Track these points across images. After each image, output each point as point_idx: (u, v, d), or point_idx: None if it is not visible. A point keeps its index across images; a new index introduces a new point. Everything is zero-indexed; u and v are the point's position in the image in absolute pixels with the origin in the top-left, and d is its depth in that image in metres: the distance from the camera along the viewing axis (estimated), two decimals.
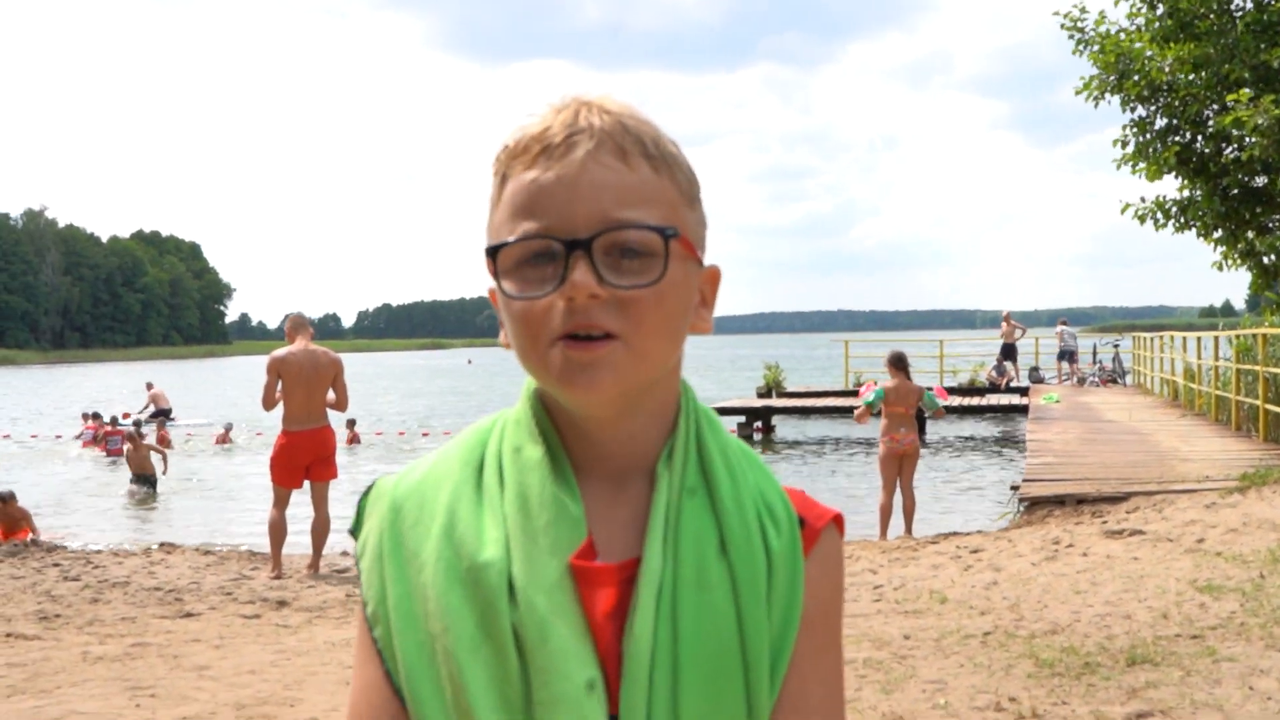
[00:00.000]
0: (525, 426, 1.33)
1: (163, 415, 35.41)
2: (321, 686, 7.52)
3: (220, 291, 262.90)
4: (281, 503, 11.89)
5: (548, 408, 1.34)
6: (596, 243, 1.22)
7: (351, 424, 31.59)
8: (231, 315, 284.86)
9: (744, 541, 1.29)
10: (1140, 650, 7.16)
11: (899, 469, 14.12)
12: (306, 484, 12.04)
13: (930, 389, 14.48)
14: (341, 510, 18.99)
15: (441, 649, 1.23)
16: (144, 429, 27.51)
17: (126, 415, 35.32)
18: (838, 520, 1.41)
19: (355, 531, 1.38)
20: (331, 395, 11.86)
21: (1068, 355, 38.03)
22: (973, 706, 6.35)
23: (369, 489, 1.39)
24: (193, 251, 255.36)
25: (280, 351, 11.78)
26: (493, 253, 1.26)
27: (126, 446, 22.73)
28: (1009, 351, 37.51)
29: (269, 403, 11.72)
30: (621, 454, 1.32)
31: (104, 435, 30.03)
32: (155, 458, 22.58)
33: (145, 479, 21.83)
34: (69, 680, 7.70)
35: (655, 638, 1.23)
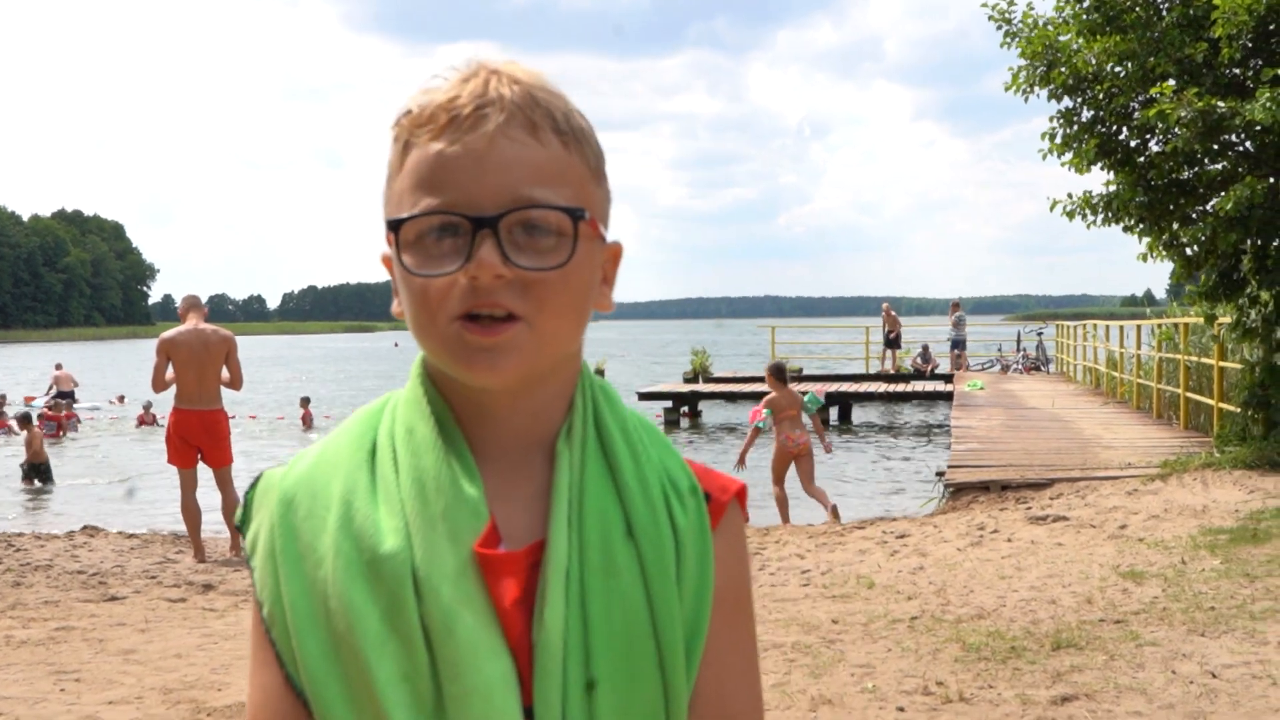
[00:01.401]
0: (417, 406, 1.28)
1: (66, 398, 34.97)
2: (247, 670, 7.47)
3: (143, 272, 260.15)
4: (188, 485, 11.76)
5: (439, 385, 1.29)
6: (504, 221, 1.18)
7: (305, 402, 31.47)
8: (155, 296, 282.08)
9: (650, 522, 1.25)
10: (1065, 635, 7.25)
11: (789, 465, 14.30)
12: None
13: (809, 393, 14.80)
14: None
15: (347, 648, 1.17)
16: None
17: (30, 399, 34.95)
18: (741, 493, 1.37)
19: (243, 527, 1.31)
20: (226, 375, 11.77)
21: (958, 344, 38.14)
22: (900, 690, 6.41)
23: (255, 481, 1.32)
24: (115, 232, 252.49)
25: (169, 332, 11.72)
26: (395, 225, 1.22)
27: (23, 433, 21.87)
28: (894, 341, 37.88)
29: (158, 384, 11.65)
30: (520, 432, 1.28)
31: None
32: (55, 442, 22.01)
33: (38, 468, 20.88)
34: None
35: (566, 626, 1.19)
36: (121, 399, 38.61)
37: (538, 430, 1.28)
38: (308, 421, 30.59)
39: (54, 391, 35.95)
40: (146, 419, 31.31)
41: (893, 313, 38.06)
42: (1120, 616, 7.67)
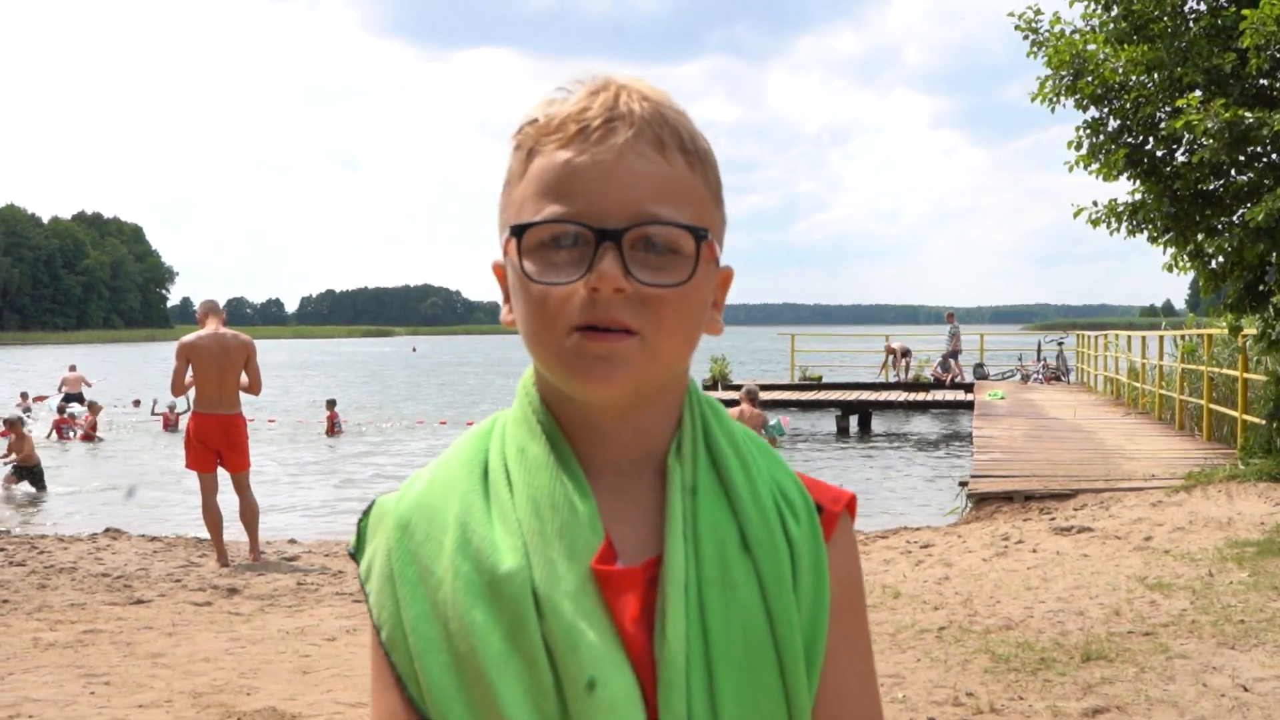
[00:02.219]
0: (527, 425, 1.29)
1: (74, 400, 34.95)
2: (277, 675, 7.49)
3: (162, 275, 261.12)
4: (208, 489, 11.78)
5: (549, 403, 1.29)
6: (628, 235, 1.18)
7: (331, 404, 31.46)
8: (173, 299, 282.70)
9: (765, 534, 1.25)
10: (1094, 646, 7.24)
11: None
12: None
13: (775, 419, 15.19)
14: (285, 495, 18.97)
15: (470, 669, 1.18)
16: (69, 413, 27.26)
17: (40, 398, 34.98)
18: (851, 503, 1.38)
19: (357, 554, 1.32)
20: (245, 379, 11.80)
21: (952, 356, 38.01)
22: (931, 700, 6.40)
23: (368, 509, 1.33)
24: (135, 234, 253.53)
25: (190, 336, 11.75)
26: (519, 231, 1.22)
27: (10, 436, 20.96)
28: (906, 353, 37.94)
29: (178, 388, 11.70)
30: (629, 448, 1.28)
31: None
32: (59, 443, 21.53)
33: (29, 471, 20.25)
34: (20, 667, 7.63)
35: (687, 636, 1.19)
36: (137, 403, 38.63)
37: (647, 446, 1.29)
38: (333, 426, 30.55)
39: (63, 393, 35.97)
40: (170, 420, 31.22)
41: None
42: (1149, 628, 7.65)
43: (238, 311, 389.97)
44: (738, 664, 1.20)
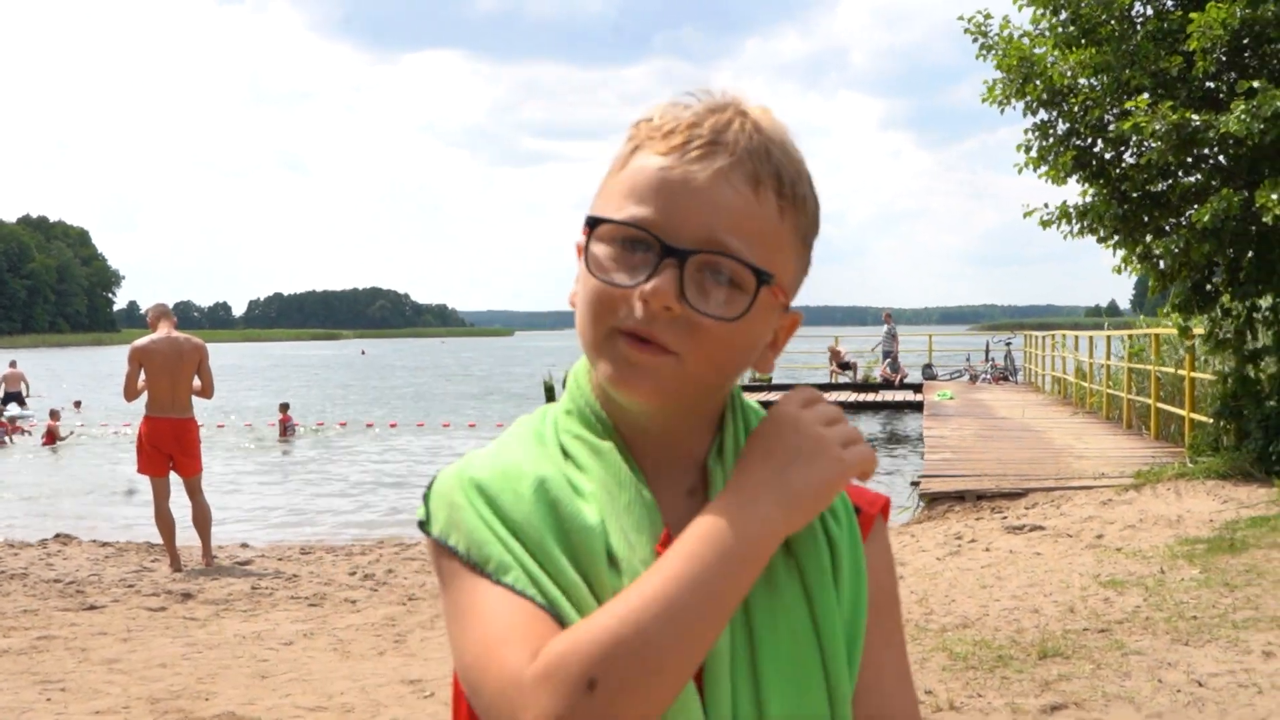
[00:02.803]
0: (580, 417, 1.31)
1: (13, 399, 34.59)
2: (235, 680, 7.46)
3: (108, 279, 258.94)
4: (160, 494, 11.71)
5: (599, 396, 1.31)
6: (693, 258, 1.20)
7: (284, 407, 31.23)
8: (120, 303, 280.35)
9: (808, 534, 1.27)
10: (1051, 644, 7.30)
11: None
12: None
13: None
14: (237, 499, 18.86)
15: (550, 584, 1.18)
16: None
17: None
18: (886, 506, 1.41)
19: (427, 522, 1.27)
20: (197, 383, 11.74)
21: (887, 356, 38.23)
22: None
23: (431, 482, 1.29)
24: (81, 238, 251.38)
25: (142, 340, 11.67)
26: (594, 223, 1.24)
27: None
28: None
29: (130, 393, 11.60)
30: (672, 448, 1.30)
31: None
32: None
33: None
34: None
35: (732, 637, 1.21)
36: (78, 404, 38.22)
37: (688, 449, 1.31)
38: (285, 429, 30.33)
39: (2, 391, 35.57)
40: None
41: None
42: (1104, 625, 7.72)
43: (185, 315, 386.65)
44: (784, 662, 1.22)
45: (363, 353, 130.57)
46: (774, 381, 37.29)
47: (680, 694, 1.14)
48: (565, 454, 1.28)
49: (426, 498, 1.30)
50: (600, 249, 1.24)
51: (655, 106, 1.28)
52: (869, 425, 32.06)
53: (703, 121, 1.24)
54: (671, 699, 1.11)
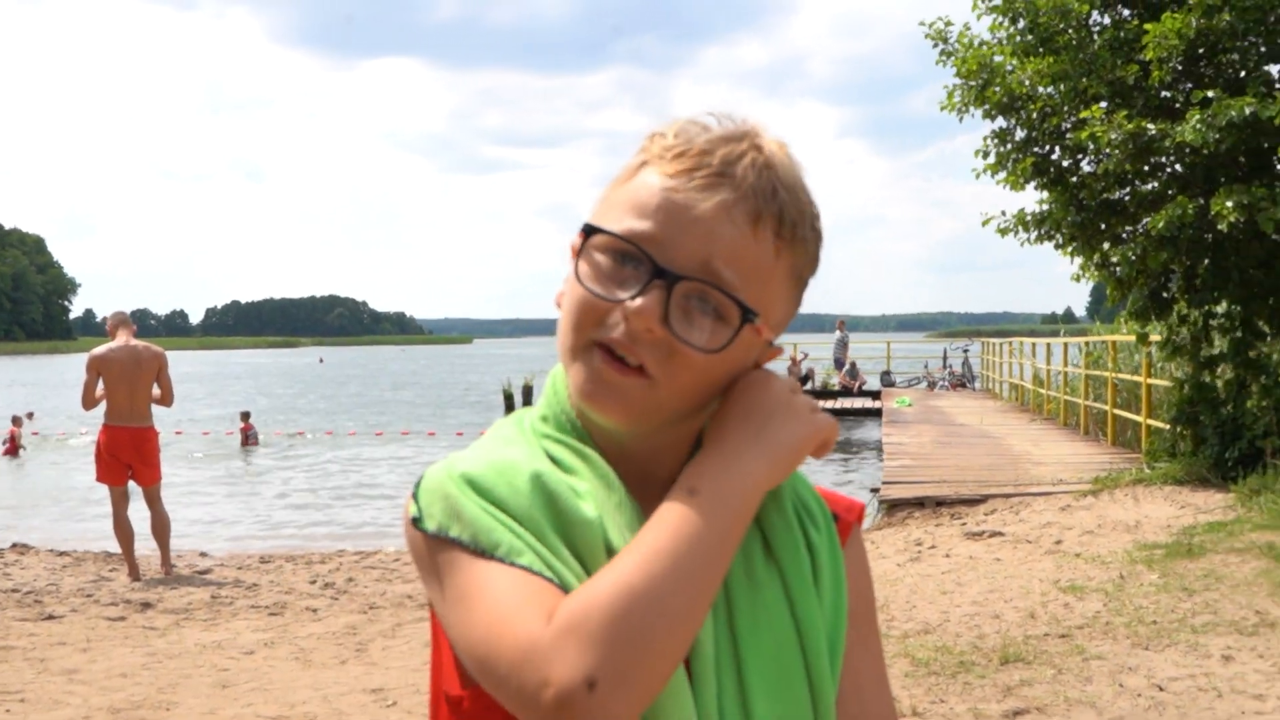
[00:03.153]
0: (558, 424, 1.30)
1: None
2: (196, 690, 7.42)
3: (65, 286, 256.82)
4: (119, 503, 11.63)
5: (577, 408, 1.30)
6: (681, 284, 1.19)
7: (245, 416, 31.00)
8: (76, 311, 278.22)
9: (788, 539, 1.28)
10: (1012, 649, 7.34)
11: None
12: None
13: None
14: (195, 508, 18.73)
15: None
16: None
17: None
18: (861, 512, 1.43)
19: (421, 520, 1.23)
20: (157, 391, 11.67)
21: (840, 363, 38.36)
22: None
23: (418, 483, 1.26)
24: (37, 245, 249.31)
25: (100, 349, 11.58)
26: (590, 231, 1.24)
27: None
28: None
29: (89, 402, 11.50)
30: (650, 460, 1.29)
31: None
32: None
33: None
34: None
35: (715, 638, 1.21)
36: (30, 415, 37.73)
37: (664, 462, 1.30)
38: (246, 438, 30.12)
39: None
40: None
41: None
42: (1065, 631, 7.77)
43: (142, 323, 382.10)
44: (767, 662, 1.23)
45: (321, 361, 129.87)
46: None
47: (672, 682, 1.16)
48: (550, 457, 1.27)
49: (416, 495, 1.28)
50: (593, 258, 1.23)
51: (673, 123, 1.27)
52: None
53: (715, 150, 1.23)
54: (684, 652, 1.12)
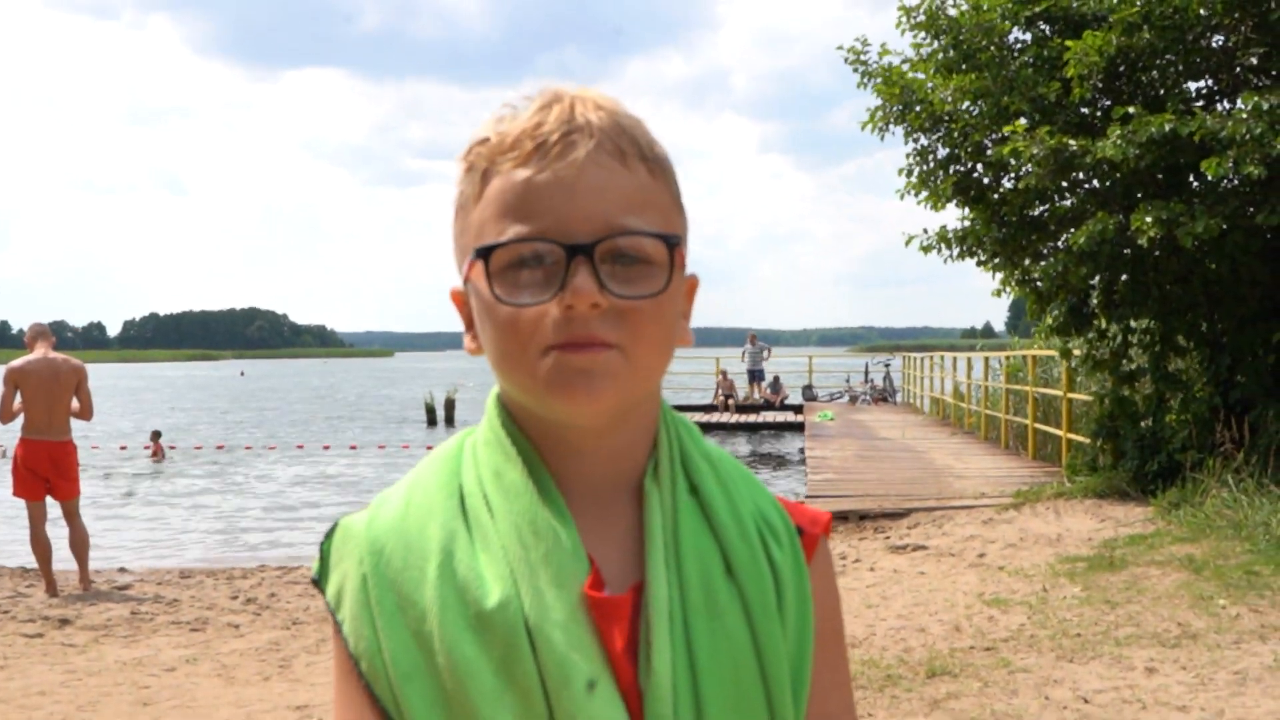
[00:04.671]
0: (500, 447, 1.24)
1: None
2: (117, 708, 7.31)
3: None
4: (37, 518, 11.45)
5: (520, 423, 1.25)
6: (599, 248, 1.14)
7: (156, 435, 30.62)
8: None
9: (749, 559, 1.22)
10: (938, 662, 7.37)
11: None
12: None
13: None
14: (114, 524, 18.47)
15: (458, 704, 1.13)
16: None
17: None
18: (828, 525, 1.36)
19: (321, 581, 1.25)
20: (76, 404, 11.51)
21: (755, 375, 38.60)
22: None
23: (330, 532, 1.26)
24: None
25: (18, 361, 11.39)
26: (484, 253, 1.17)
27: None
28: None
29: (6, 415, 11.30)
30: (605, 471, 1.24)
31: None
32: None
33: None
34: None
35: (674, 665, 1.16)
36: None
37: (622, 469, 1.25)
38: (158, 453, 29.85)
39: None
40: (158, 450, 30.02)
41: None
42: (990, 644, 7.82)
43: (59, 334, 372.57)
44: (726, 694, 1.18)
45: (241, 374, 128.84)
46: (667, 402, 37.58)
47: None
48: (485, 503, 1.21)
49: (325, 551, 1.27)
50: (495, 279, 1.17)
51: (483, 126, 1.22)
52: (749, 447, 32.24)
53: (545, 119, 1.19)
54: None
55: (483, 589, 1.16)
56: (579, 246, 1.14)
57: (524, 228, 1.16)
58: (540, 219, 1.16)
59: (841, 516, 13.98)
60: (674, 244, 1.19)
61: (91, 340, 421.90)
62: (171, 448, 30.74)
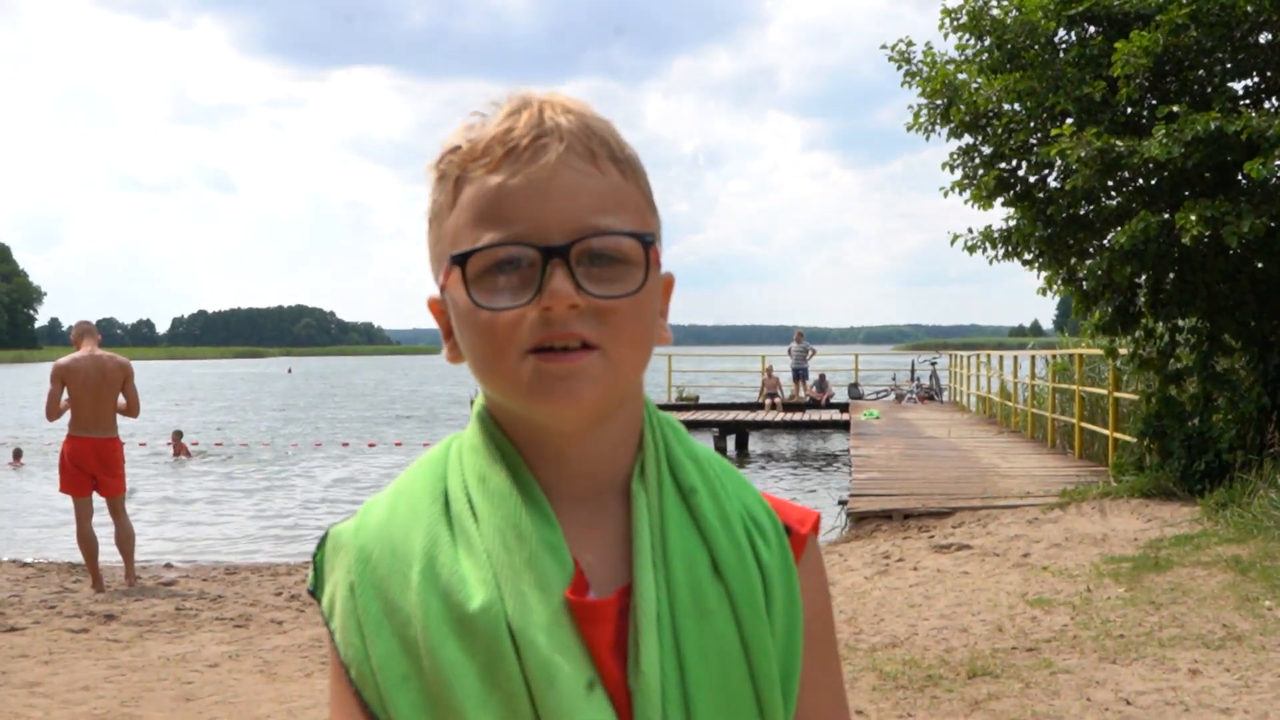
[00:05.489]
0: (484, 452, 1.25)
1: None
2: (159, 703, 7.38)
3: (30, 295, 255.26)
4: (83, 514, 11.56)
5: (505, 429, 1.26)
6: (574, 250, 1.16)
7: (178, 435, 30.75)
8: (41, 320, 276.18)
9: (737, 560, 1.23)
10: (979, 663, 7.35)
11: None
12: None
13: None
14: (160, 520, 18.61)
15: (444, 707, 1.14)
16: None
17: None
18: (817, 523, 1.36)
19: (316, 591, 1.28)
20: (122, 401, 11.61)
21: (800, 374, 38.45)
22: None
23: (322, 541, 1.29)
24: (2, 254, 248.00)
25: (65, 359, 11.52)
26: (460, 260, 1.18)
27: None
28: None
29: (53, 413, 11.43)
30: (591, 472, 1.25)
31: None
32: None
33: None
34: None
35: (662, 671, 1.17)
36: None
37: (608, 471, 1.26)
38: (183, 453, 29.88)
39: None
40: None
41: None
42: (1032, 644, 7.78)
43: (108, 332, 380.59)
44: (714, 694, 1.19)
45: (289, 371, 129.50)
46: (700, 401, 37.56)
47: None
48: (469, 508, 1.22)
49: (318, 562, 1.29)
50: (472, 285, 1.18)
51: (453, 135, 1.24)
52: (798, 445, 32.19)
53: (514, 125, 1.20)
54: None
55: (466, 593, 1.17)
56: (554, 249, 1.16)
57: (498, 233, 1.18)
58: (514, 223, 1.17)
59: (885, 515, 13.96)
60: (649, 242, 1.20)
61: (140, 338, 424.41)
62: (217, 444, 30.79)
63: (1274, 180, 12.19)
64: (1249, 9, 12.54)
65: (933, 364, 42.49)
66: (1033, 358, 25.26)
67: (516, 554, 1.18)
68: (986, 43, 14.65)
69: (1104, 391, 17.82)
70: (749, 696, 1.20)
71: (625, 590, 1.20)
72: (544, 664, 1.14)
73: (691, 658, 1.19)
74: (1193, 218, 11.95)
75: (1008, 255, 14.80)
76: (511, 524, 1.20)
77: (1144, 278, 13.91)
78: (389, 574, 1.20)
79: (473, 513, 1.22)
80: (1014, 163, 14.62)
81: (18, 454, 29.02)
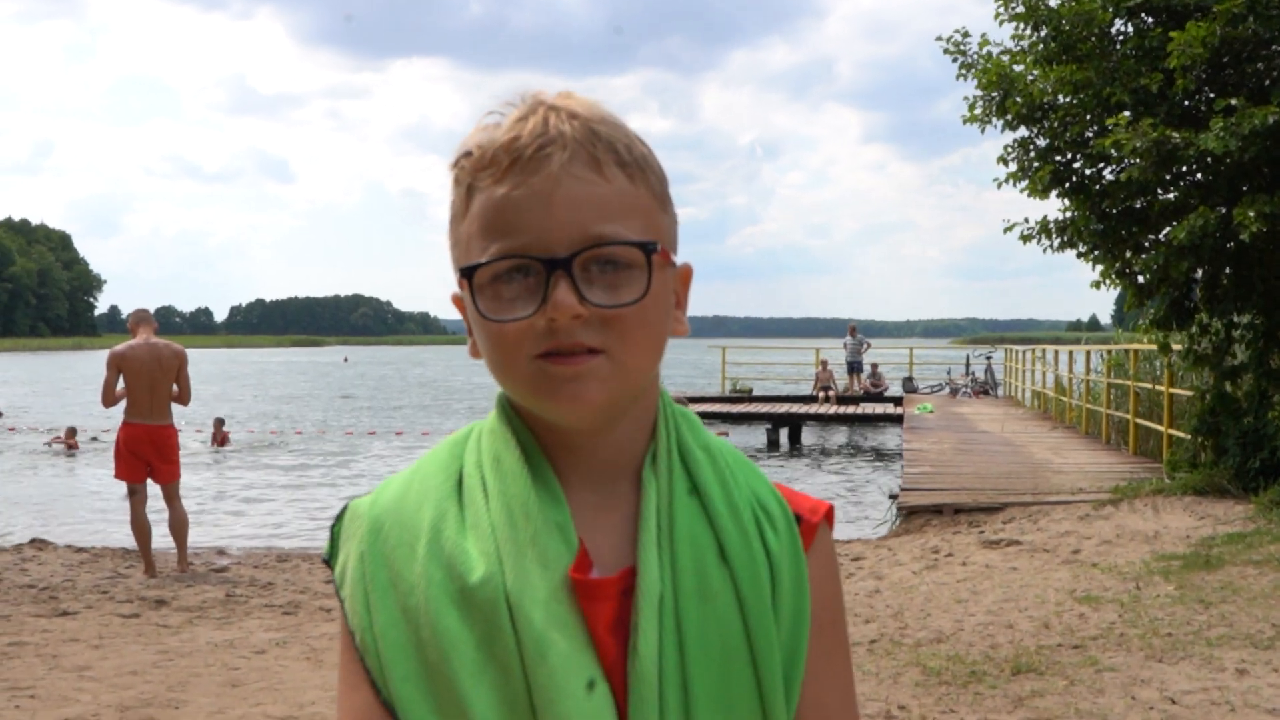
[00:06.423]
0: (502, 436, 1.28)
1: None
2: (206, 688, 7.43)
3: (90, 283, 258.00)
4: (137, 500, 11.66)
5: (522, 415, 1.29)
6: (576, 261, 1.18)
7: (219, 423, 30.89)
8: (101, 308, 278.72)
9: (743, 546, 1.24)
10: (1024, 659, 7.30)
11: None
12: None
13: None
14: (214, 506, 18.77)
15: (440, 677, 1.17)
16: None
17: None
18: (829, 513, 1.37)
19: (331, 560, 1.31)
20: (176, 388, 11.70)
21: (854, 367, 38.23)
22: (863, 714, 6.40)
23: (341, 513, 1.32)
24: (63, 242, 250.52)
25: (121, 346, 11.63)
26: (468, 272, 1.22)
27: None
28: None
29: (109, 399, 11.53)
30: (604, 461, 1.28)
31: None
32: None
33: None
34: None
35: (661, 654, 1.18)
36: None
37: (622, 459, 1.28)
38: (223, 441, 29.92)
39: None
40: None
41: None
42: (1078, 641, 7.73)
43: (166, 320, 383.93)
44: (714, 678, 1.20)
45: (345, 359, 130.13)
46: (754, 394, 37.50)
47: (591, 715, 1.15)
48: (481, 486, 1.25)
49: (334, 533, 1.32)
50: (483, 294, 1.21)
51: (468, 139, 1.26)
52: (851, 438, 32.10)
53: (519, 133, 1.21)
54: None
55: (468, 565, 1.19)
56: (556, 260, 1.18)
57: (504, 244, 1.20)
58: (519, 235, 1.19)
59: (936, 510, 13.90)
60: (651, 250, 1.21)
61: (199, 326, 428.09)
62: (227, 434, 30.67)
63: None
64: None
65: (988, 358, 42.27)
66: (1088, 353, 25.06)
67: (522, 530, 1.20)
68: (1043, 33, 14.53)
69: (1159, 387, 17.67)
70: (749, 681, 1.22)
71: (630, 571, 1.22)
72: (537, 638, 1.16)
73: (692, 640, 1.20)
74: (1251, 214, 11.82)
75: (1063, 246, 14.69)
76: (520, 501, 1.22)
77: (1200, 273, 13.78)
78: (397, 545, 1.24)
79: (484, 490, 1.25)
80: (1069, 155, 14.51)
81: (72, 432, 29.31)
